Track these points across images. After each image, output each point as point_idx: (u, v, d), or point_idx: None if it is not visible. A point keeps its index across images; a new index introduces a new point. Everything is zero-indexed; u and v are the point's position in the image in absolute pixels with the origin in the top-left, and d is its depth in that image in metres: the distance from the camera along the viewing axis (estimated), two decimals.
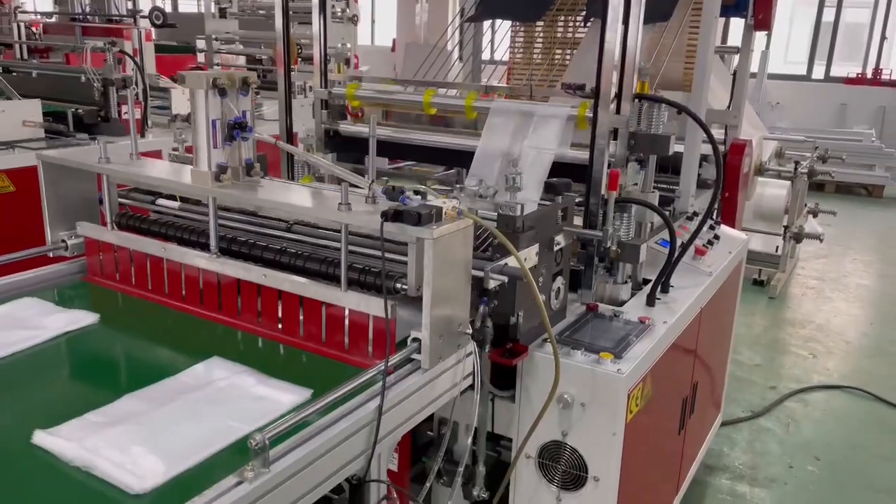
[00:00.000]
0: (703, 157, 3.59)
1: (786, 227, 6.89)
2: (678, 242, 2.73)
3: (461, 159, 3.24)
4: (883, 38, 13.89)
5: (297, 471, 1.49)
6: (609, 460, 2.25)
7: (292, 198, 2.19)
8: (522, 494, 2.42)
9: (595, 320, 2.54)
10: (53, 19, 8.72)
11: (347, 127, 3.53)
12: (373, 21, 18.04)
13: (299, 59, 6.72)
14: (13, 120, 4.69)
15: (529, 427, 2.26)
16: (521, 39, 4.38)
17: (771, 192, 6.76)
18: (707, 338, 3.21)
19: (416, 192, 1.94)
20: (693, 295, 2.85)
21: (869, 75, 13.71)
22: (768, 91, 12.14)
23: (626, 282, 2.77)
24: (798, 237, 7.05)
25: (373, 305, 1.98)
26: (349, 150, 3.58)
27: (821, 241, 7.29)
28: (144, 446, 1.53)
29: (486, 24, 4.35)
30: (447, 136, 3.33)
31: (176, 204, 2.61)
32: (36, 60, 7.26)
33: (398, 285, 2.00)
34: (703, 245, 3.21)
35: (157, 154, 4.56)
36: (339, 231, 2.05)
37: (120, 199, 2.64)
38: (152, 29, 6.95)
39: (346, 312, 2.04)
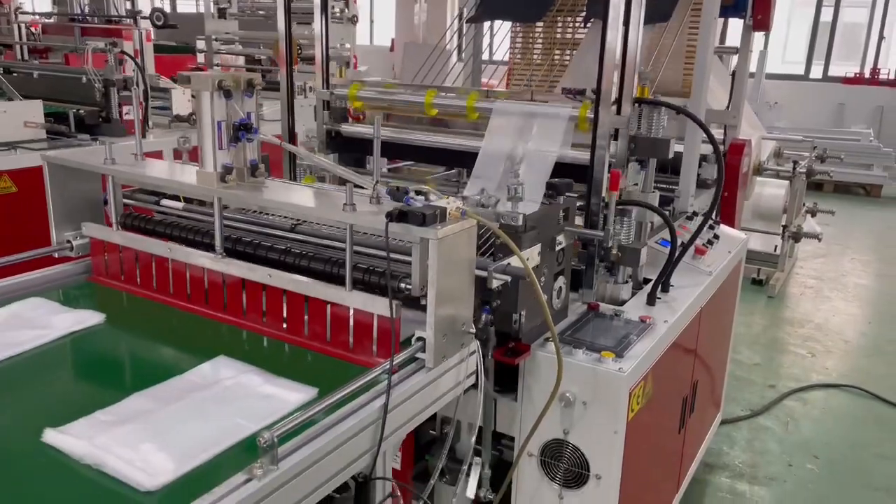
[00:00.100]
0: (703, 157, 3.61)
1: (784, 227, 6.92)
2: (678, 242, 2.75)
3: (462, 160, 3.26)
4: (881, 37, 13.92)
5: (304, 468, 1.51)
6: (611, 458, 2.27)
7: (297, 198, 2.21)
8: (524, 492, 2.44)
9: (596, 319, 2.56)
10: (52, 20, 8.72)
11: (349, 128, 3.54)
12: (371, 21, 18.05)
13: (299, 60, 6.73)
14: (15, 121, 4.70)
15: (532, 425, 2.28)
16: (521, 40, 4.41)
17: (769, 191, 6.79)
18: (707, 337, 3.23)
19: (419, 193, 1.96)
20: (693, 294, 2.87)
21: (867, 75, 13.74)
22: (766, 91, 12.19)
23: (626, 281, 2.79)
24: (796, 237, 7.09)
25: (377, 305, 2.00)
26: (350, 150, 3.60)
27: (819, 240, 7.32)
28: (154, 444, 1.55)
29: (487, 24, 4.37)
30: (448, 137, 3.34)
31: (180, 205, 2.63)
32: (37, 61, 7.27)
33: (402, 285, 2.02)
34: (703, 245, 3.23)
35: (158, 154, 4.58)
36: (342, 231, 2.07)
37: (124, 200, 2.65)
38: (151, 29, 6.96)
39: (351, 312, 2.06)
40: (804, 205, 7.59)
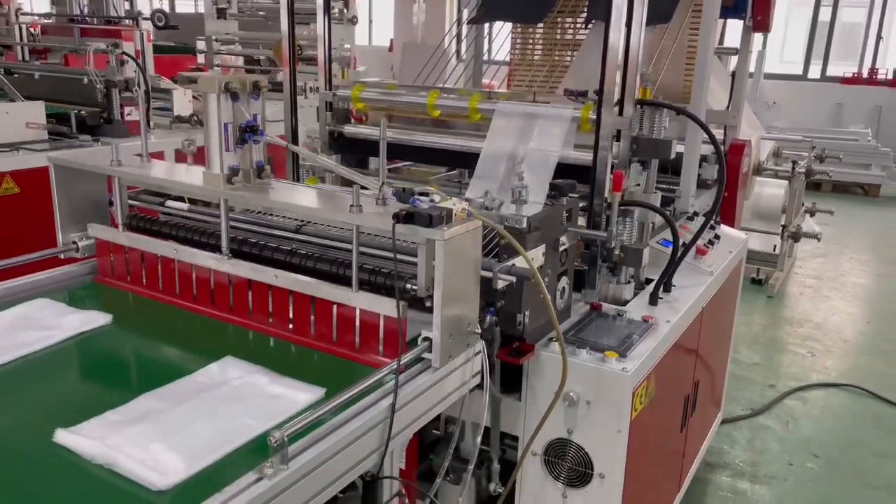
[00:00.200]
0: (702, 158, 3.63)
1: (783, 227, 6.94)
2: (680, 242, 2.77)
3: (464, 160, 3.27)
4: (879, 37, 13.96)
5: (314, 467, 1.52)
6: (614, 457, 2.29)
7: (304, 200, 2.22)
8: (528, 491, 2.46)
9: (599, 319, 2.57)
10: (51, 20, 8.73)
11: (352, 129, 3.55)
12: (370, 21, 18.06)
13: (298, 60, 6.72)
14: (17, 122, 4.71)
15: (536, 425, 2.29)
16: (522, 41, 4.42)
17: (769, 191, 6.81)
18: (708, 336, 3.25)
19: (423, 194, 1.98)
20: (695, 294, 2.89)
21: (865, 75, 13.77)
22: (765, 91, 12.22)
23: (628, 281, 2.81)
24: (796, 236, 7.11)
25: (383, 305, 2.02)
26: (353, 151, 3.61)
27: (818, 240, 7.35)
28: (164, 444, 1.56)
29: (487, 25, 4.39)
30: (451, 138, 3.35)
31: (185, 206, 2.65)
32: (38, 62, 7.27)
33: (408, 286, 2.03)
34: (704, 245, 3.25)
35: (160, 155, 4.59)
36: (345, 231, 2.08)
37: (129, 201, 2.67)
38: (151, 30, 6.96)
39: (357, 313, 2.07)
40: (803, 205, 7.61)
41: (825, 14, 13.95)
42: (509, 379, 2.36)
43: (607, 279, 2.78)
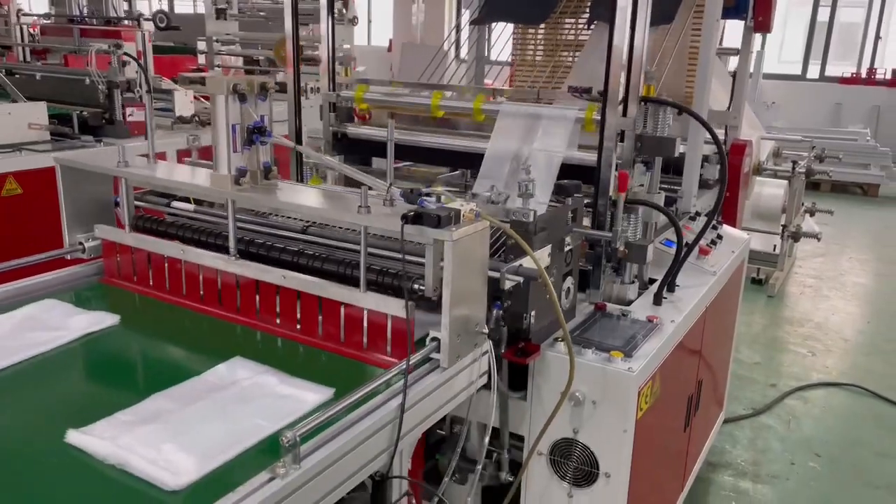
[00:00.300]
0: (704, 158, 3.64)
1: (784, 227, 6.96)
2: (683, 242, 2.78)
3: (468, 161, 3.28)
4: (877, 37, 13.99)
5: (325, 467, 1.53)
6: (620, 457, 2.30)
7: (311, 201, 2.23)
8: (534, 491, 2.46)
9: (603, 319, 2.58)
10: (51, 21, 8.73)
11: (355, 129, 3.56)
12: (369, 21, 18.05)
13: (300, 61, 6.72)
14: (19, 122, 4.71)
15: (542, 425, 2.30)
16: (523, 41, 4.43)
17: (769, 191, 6.82)
18: (711, 336, 3.26)
19: (429, 195, 1.98)
20: (698, 294, 2.90)
21: (863, 75, 13.80)
22: (764, 91, 12.23)
23: (632, 281, 2.81)
24: (796, 236, 7.12)
25: (391, 306, 2.03)
26: (356, 151, 3.61)
27: (818, 239, 7.36)
28: (175, 444, 1.57)
29: (489, 25, 4.39)
30: (454, 138, 3.36)
31: (191, 206, 2.65)
32: (39, 63, 7.28)
33: (415, 286, 2.04)
34: (707, 245, 3.26)
35: (162, 156, 4.59)
36: (352, 232, 2.09)
37: (135, 202, 2.67)
38: (151, 30, 6.96)
39: (365, 313, 2.08)
40: (803, 204, 7.63)
41: (824, 14, 13.97)
42: (515, 379, 2.37)
43: (611, 279, 2.78)
